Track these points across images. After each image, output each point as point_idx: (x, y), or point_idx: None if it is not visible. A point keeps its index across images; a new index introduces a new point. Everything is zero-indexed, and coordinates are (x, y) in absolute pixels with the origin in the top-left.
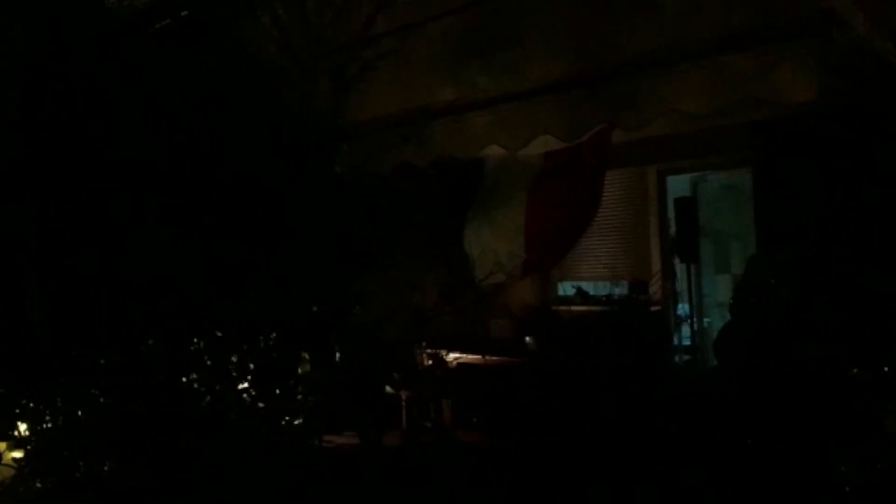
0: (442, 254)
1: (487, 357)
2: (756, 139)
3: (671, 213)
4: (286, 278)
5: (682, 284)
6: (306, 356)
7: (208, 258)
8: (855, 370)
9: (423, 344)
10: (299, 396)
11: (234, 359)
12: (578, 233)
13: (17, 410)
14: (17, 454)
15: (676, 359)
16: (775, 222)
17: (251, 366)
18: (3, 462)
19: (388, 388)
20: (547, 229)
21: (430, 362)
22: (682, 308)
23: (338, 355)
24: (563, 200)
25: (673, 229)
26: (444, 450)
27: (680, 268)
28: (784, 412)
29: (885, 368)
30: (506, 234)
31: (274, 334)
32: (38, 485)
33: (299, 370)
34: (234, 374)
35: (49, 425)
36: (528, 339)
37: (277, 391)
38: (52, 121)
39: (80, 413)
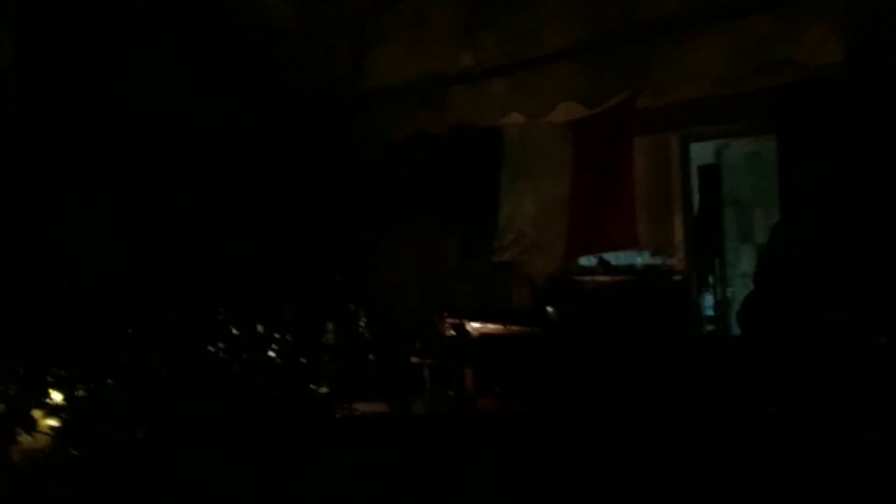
0: (461, 223)
1: (509, 327)
2: (781, 105)
3: (694, 182)
4: (308, 247)
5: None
6: (331, 325)
7: (231, 226)
8: (881, 338)
9: (445, 314)
10: (324, 365)
11: (259, 328)
12: (623, 214)
13: (50, 378)
14: (52, 422)
15: (699, 328)
16: (800, 190)
17: (276, 335)
18: (38, 430)
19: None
20: (590, 210)
21: (453, 332)
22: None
23: (362, 323)
24: (599, 176)
25: (696, 198)
26: (465, 418)
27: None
28: (808, 381)
29: None
30: (547, 214)
31: (298, 304)
32: (74, 452)
33: (324, 339)
34: (260, 342)
35: (81, 393)
36: (549, 308)
37: (302, 360)
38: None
39: (110, 381)
